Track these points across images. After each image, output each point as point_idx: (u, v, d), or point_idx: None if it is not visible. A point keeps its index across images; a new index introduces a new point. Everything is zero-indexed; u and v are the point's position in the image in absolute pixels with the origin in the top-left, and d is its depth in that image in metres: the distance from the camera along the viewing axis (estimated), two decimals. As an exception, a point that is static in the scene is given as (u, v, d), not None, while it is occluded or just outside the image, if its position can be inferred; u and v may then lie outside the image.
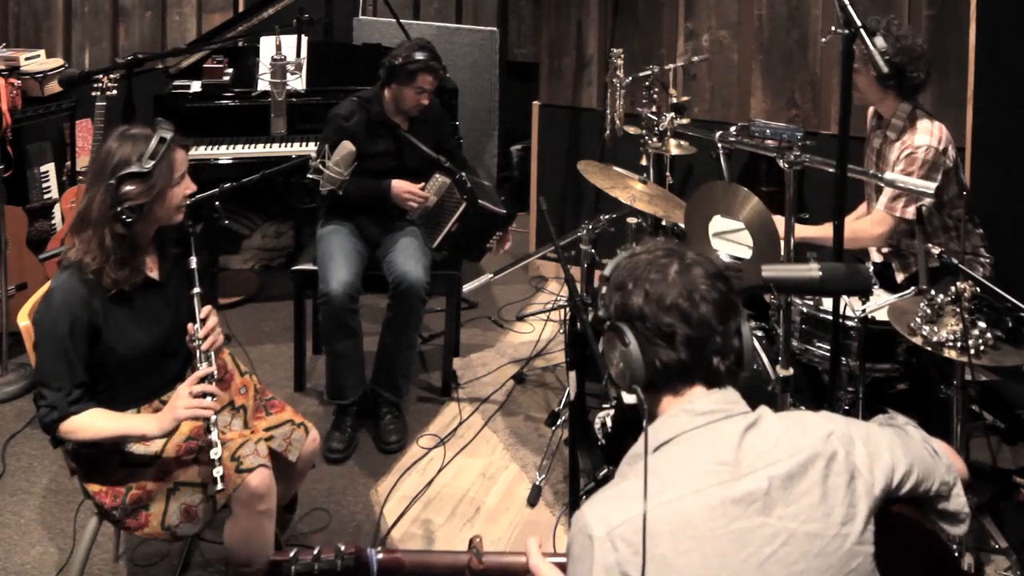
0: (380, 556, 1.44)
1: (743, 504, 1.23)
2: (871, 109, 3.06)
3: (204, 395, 2.09)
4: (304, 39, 4.08)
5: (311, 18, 4.07)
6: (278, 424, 2.33)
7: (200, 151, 3.90)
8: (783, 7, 4.05)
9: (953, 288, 2.17)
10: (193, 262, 2.25)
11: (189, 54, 4.24)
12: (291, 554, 1.41)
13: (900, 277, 2.94)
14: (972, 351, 2.12)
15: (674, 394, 1.35)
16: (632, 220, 3.35)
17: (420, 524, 2.80)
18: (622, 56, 3.70)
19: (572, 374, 2.12)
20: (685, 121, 3.46)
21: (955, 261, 2.22)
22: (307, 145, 3.96)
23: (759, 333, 2.78)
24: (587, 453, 2.59)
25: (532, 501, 2.88)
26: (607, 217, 3.06)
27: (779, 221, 2.48)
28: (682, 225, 2.86)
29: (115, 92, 3.61)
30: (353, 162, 3.13)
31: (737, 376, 1.38)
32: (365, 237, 3.37)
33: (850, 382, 2.64)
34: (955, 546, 2.23)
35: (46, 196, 4.06)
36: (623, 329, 1.35)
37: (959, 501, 1.42)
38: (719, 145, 3.04)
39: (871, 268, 2.91)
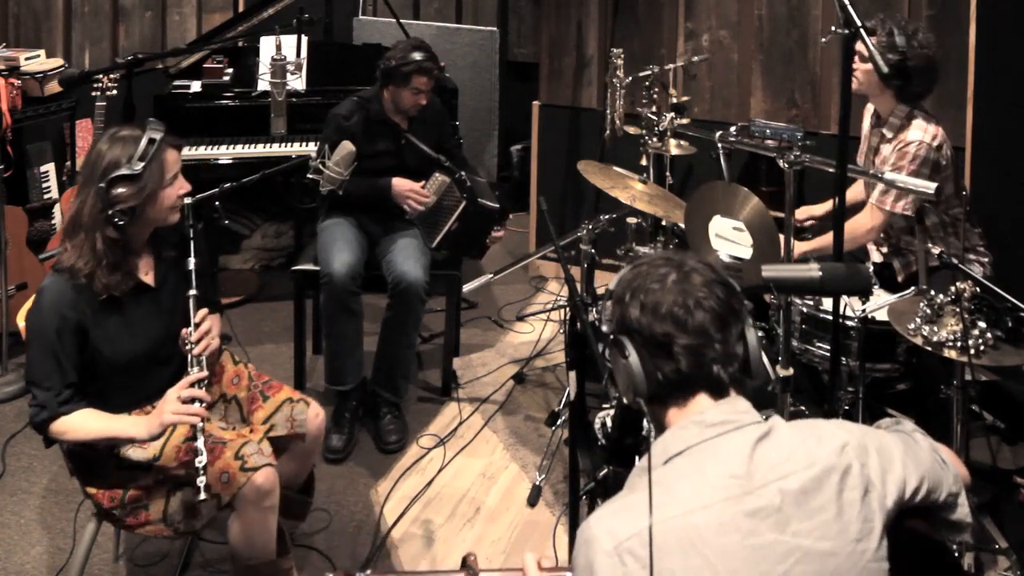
0: None
1: (756, 519, 1.20)
2: (870, 108, 3.06)
3: (193, 400, 2.06)
4: (304, 39, 4.08)
5: (311, 18, 4.07)
6: (276, 409, 2.31)
7: (200, 151, 3.90)
8: (783, 7, 4.05)
9: (953, 288, 2.17)
10: (191, 263, 2.22)
11: (189, 54, 4.24)
12: None
13: (900, 276, 2.94)
14: (972, 351, 2.12)
15: (679, 406, 1.32)
16: (632, 220, 3.35)
17: (420, 524, 2.80)
18: (622, 56, 3.71)
19: (572, 374, 2.11)
20: (685, 121, 3.46)
21: (955, 260, 2.22)
22: (307, 145, 3.96)
23: (759, 333, 2.78)
24: (587, 453, 2.58)
25: (532, 501, 2.88)
26: (607, 217, 3.06)
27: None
28: (682, 225, 2.86)
29: (115, 92, 3.61)
30: (353, 162, 3.13)
31: (745, 384, 1.35)
32: (366, 232, 3.37)
33: (850, 382, 2.64)
34: (955, 546, 2.23)
35: (46, 196, 4.06)
36: (623, 342, 1.34)
37: (963, 511, 1.40)
38: (719, 145, 3.04)
39: (871, 268, 2.91)
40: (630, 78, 3.68)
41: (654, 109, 3.50)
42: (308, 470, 2.48)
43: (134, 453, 2.16)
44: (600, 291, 3.13)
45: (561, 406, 3.23)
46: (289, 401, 2.32)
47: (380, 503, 2.89)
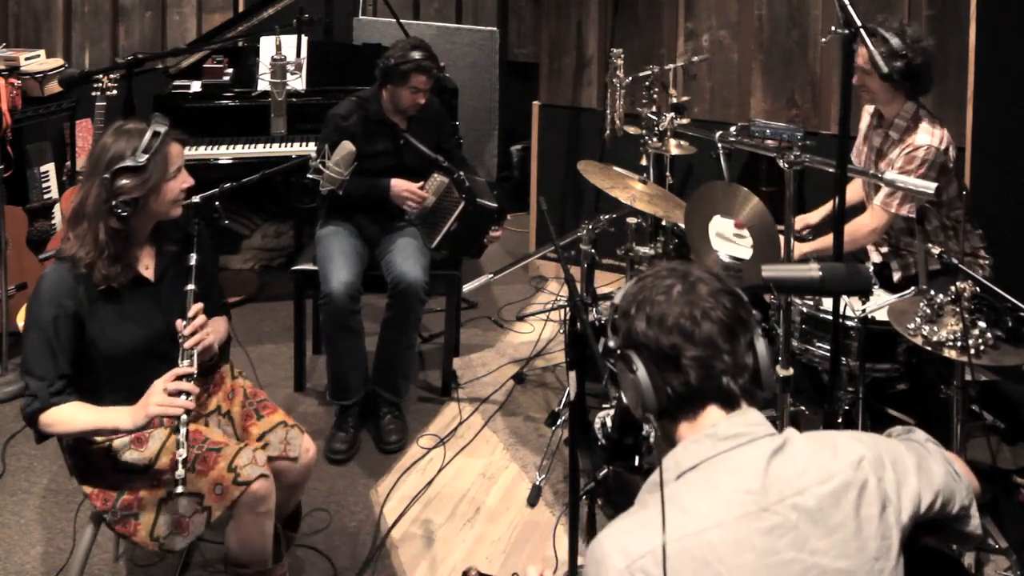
0: None
1: (772, 537, 1.18)
2: (870, 107, 3.06)
3: (179, 393, 2.05)
4: (304, 39, 4.08)
5: (311, 18, 4.07)
6: (271, 428, 2.30)
7: (200, 151, 3.90)
8: (783, 7, 4.05)
9: (953, 288, 2.17)
10: (192, 259, 2.22)
11: (189, 54, 4.25)
12: None
13: (899, 277, 2.94)
14: (972, 351, 2.11)
15: (690, 419, 1.30)
16: (632, 220, 3.35)
17: (420, 524, 2.80)
18: (622, 56, 3.71)
19: (572, 374, 2.11)
20: (685, 121, 3.46)
21: (955, 261, 2.22)
22: (307, 145, 3.96)
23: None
24: (587, 453, 2.58)
25: (532, 501, 2.88)
26: (607, 217, 3.06)
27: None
28: (682, 225, 2.86)
29: (115, 92, 3.61)
30: (353, 162, 3.13)
31: (756, 395, 1.33)
32: (364, 237, 3.37)
33: (850, 382, 2.64)
34: (955, 546, 2.23)
35: (46, 196, 4.06)
36: (630, 356, 1.31)
37: (975, 523, 1.39)
38: (719, 145, 3.04)
39: (871, 268, 2.91)
40: (630, 78, 3.68)
41: (654, 109, 3.50)
42: (294, 502, 2.44)
43: (130, 455, 2.15)
44: (600, 291, 3.13)
45: (561, 406, 3.23)
46: (284, 425, 2.31)
47: (380, 503, 2.89)
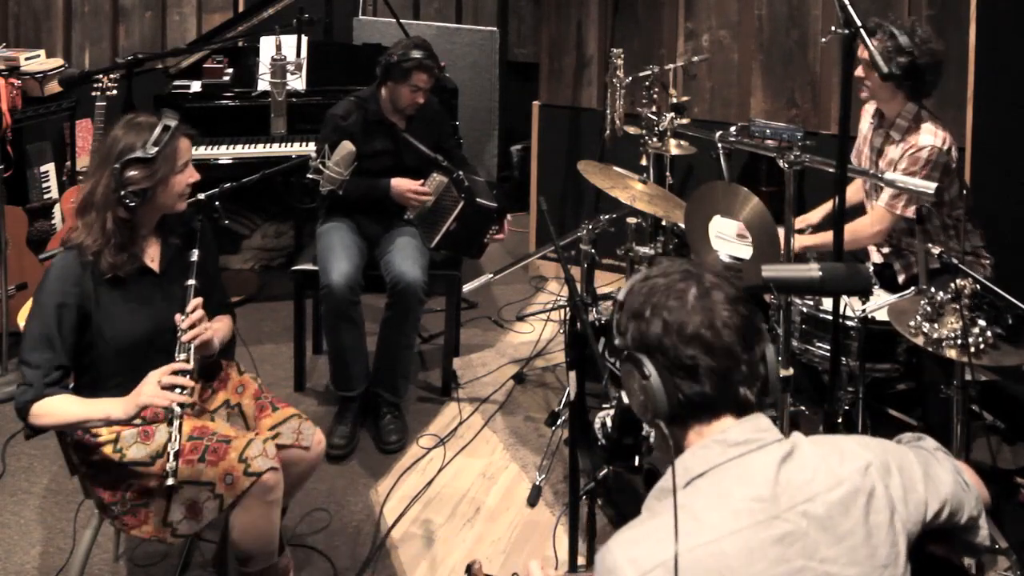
0: None
1: (783, 545, 1.17)
2: (871, 106, 3.06)
3: (174, 387, 2.07)
4: (304, 39, 4.08)
5: (311, 18, 4.07)
6: (284, 420, 2.31)
7: (200, 151, 3.90)
8: (783, 7, 4.05)
9: (953, 287, 2.17)
10: (195, 255, 2.26)
11: (189, 54, 4.25)
12: None
13: (900, 277, 2.94)
14: (972, 350, 2.11)
15: (701, 426, 1.28)
16: (632, 220, 3.35)
17: (420, 524, 2.80)
18: (622, 56, 3.71)
19: (572, 374, 2.11)
20: (685, 121, 3.46)
21: (955, 261, 2.22)
22: (307, 145, 3.96)
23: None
24: (587, 453, 2.58)
25: (532, 501, 2.88)
26: (607, 217, 3.06)
27: (781, 232, 2.48)
28: (682, 225, 2.86)
29: (115, 92, 3.61)
30: (353, 162, 3.13)
31: (763, 402, 1.32)
32: (364, 235, 3.37)
33: (850, 382, 2.64)
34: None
35: (46, 196, 4.06)
36: (642, 361, 1.28)
37: (983, 534, 1.38)
38: (719, 145, 3.04)
39: (871, 268, 2.91)
40: (630, 78, 3.68)
41: (654, 109, 3.50)
42: (293, 494, 2.44)
43: (137, 450, 2.16)
44: (600, 291, 3.12)
45: (561, 406, 3.23)
46: (298, 417, 2.34)
47: (380, 503, 2.89)
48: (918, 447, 1.43)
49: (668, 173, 3.63)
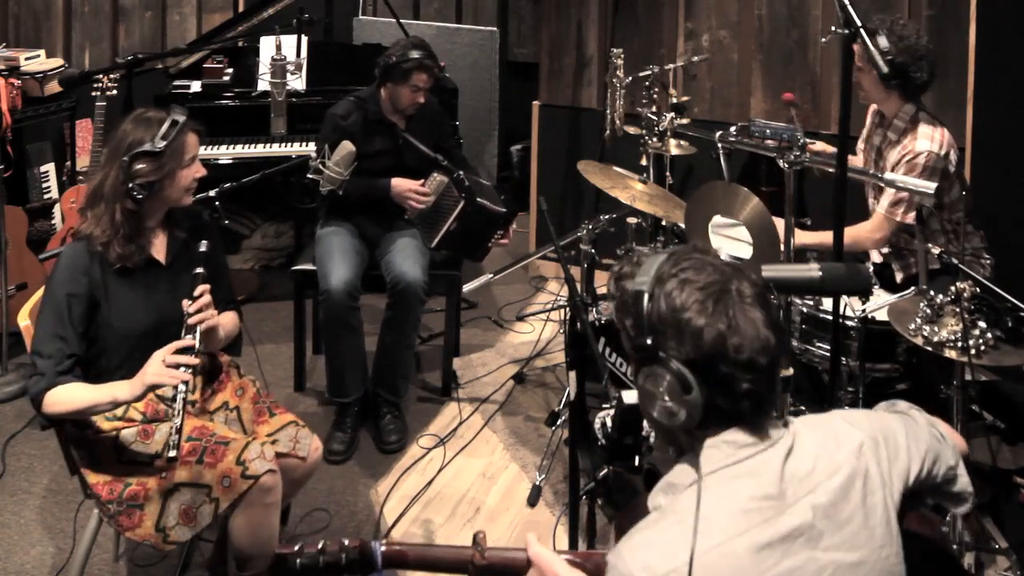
0: (384, 549, 1.45)
1: (790, 540, 1.18)
2: (873, 107, 3.05)
3: (179, 366, 2.07)
4: (304, 39, 4.08)
5: (311, 18, 4.08)
6: (281, 427, 2.32)
7: (200, 151, 3.88)
8: (783, 7, 4.05)
9: (953, 288, 2.17)
10: (204, 245, 2.28)
11: (189, 54, 4.25)
12: (296, 547, 1.42)
13: (900, 277, 2.94)
14: (972, 351, 2.11)
15: (716, 430, 1.26)
16: (632, 220, 3.35)
17: (420, 524, 2.80)
18: (622, 56, 3.71)
19: (572, 374, 2.11)
20: (685, 121, 3.46)
21: (955, 261, 2.22)
22: (307, 145, 3.96)
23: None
24: (587, 453, 2.58)
25: (532, 501, 2.88)
26: (607, 217, 3.06)
27: (779, 223, 2.48)
28: (682, 225, 2.86)
29: (115, 92, 3.61)
30: (353, 162, 3.13)
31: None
32: (364, 237, 3.37)
33: (850, 382, 2.64)
34: (955, 546, 2.24)
35: (46, 196, 4.07)
36: (685, 375, 1.22)
37: (963, 481, 1.41)
38: (719, 145, 3.04)
39: (871, 268, 2.91)
40: (630, 78, 3.68)
41: (654, 109, 3.50)
42: (290, 499, 2.46)
43: (137, 447, 2.16)
44: (600, 291, 3.12)
45: (561, 406, 3.23)
46: (295, 424, 2.34)
47: (380, 503, 2.89)
48: (895, 412, 1.46)
49: (668, 173, 3.63)
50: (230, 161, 3.92)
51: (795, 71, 4.06)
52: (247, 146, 3.98)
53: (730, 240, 2.96)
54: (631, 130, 3.65)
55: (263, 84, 4.00)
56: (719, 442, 1.25)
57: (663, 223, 3.25)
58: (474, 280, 2.98)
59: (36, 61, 4.12)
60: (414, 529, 2.78)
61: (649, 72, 3.63)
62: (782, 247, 2.47)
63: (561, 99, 4.61)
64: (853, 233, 2.85)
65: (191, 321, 2.15)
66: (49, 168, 4.12)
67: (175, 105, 2.29)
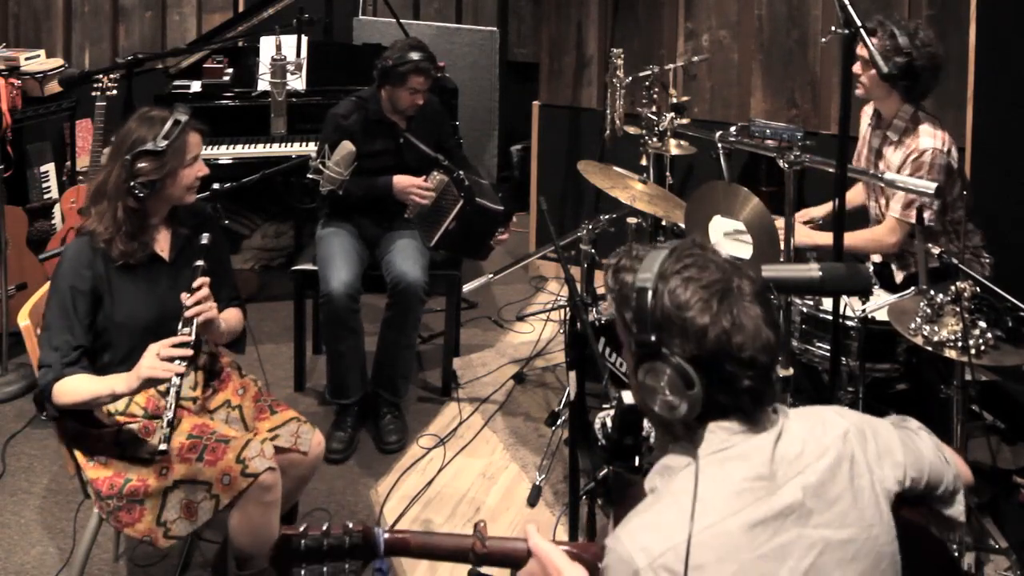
0: (387, 536, 1.46)
1: (782, 518, 1.20)
2: (870, 107, 3.05)
3: (173, 359, 2.07)
4: (304, 39, 4.08)
5: (311, 18, 4.08)
6: (283, 423, 2.33)
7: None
8: (783, 7, 4.05)
9: (953, 288, 2.17)
10: (205, 238, 2.29)
11: (189, 54, 4.25)
12: (301, 529, 1.43)
13: (899, 277, 2.94)
14: (972, 351, 2.11)
15: (712, 422, 1.27)
16: (632, 220, 3.35)
17: (420, 524, 2.80)
18: (622, 56, 3.71)
19: (572, 374, 2.11)
20: (685, 121, 3.46)
21: (955, 261, 2.22)
22: (307, 145, 3.96)
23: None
24: (587, 453, 2.58)
25: (532, 501, 2.88)
26: (607, 217, 3.06)
27: (779, 222, 2.48)
28: (682, 225, 2.86)
29: (115, 92, 3.62)
30: (353, 162, 3.13)
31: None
32: (364, 238, 3.37)
33: (850, 382, 2.64)
34: (955, 546, 2.23)
35: (46, 196, 4.07)
36: (687, 371, 1.23)
37: (959, 509, 1.42)
38: (719, 145, 3.03)
39: (871, 268, 2.91)
40: (630, 78, 3.68)
41: (654, 109, 3.50)
42: (295, 497, 2.46)
43: (138, 443, 2.17)
44: (600, 291, 3.12)
45: (561, 406, 3.23)
46: (296, 420, 2.35)
47: (380, 503, 2.89)
48: (903, 427, 1.46)
49: (668, 173, 3.63)
50: (230, 161, 3.92)
51: (795, 71, 4.06)
52: (247, 146, 3.98)
53: (730, 240, 2.96)
54: (631, 130, 3.65)
55: (263, 84, 4.00)
56: (715, 428, 1.27)
57: (663, 223, 3.25)
58: (474, 280, 2.98)
59: (36, 61, 4.12)
60: (414, 529, 2.78)
61: (649, 72, 3.63)
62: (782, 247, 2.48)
63: (561, 99, 4.61)
64: (871, 236, 2.88)
65: (188, 314, 2.16)
66: (49, 168, 4.12)
67: (179, 104, 2.32)
